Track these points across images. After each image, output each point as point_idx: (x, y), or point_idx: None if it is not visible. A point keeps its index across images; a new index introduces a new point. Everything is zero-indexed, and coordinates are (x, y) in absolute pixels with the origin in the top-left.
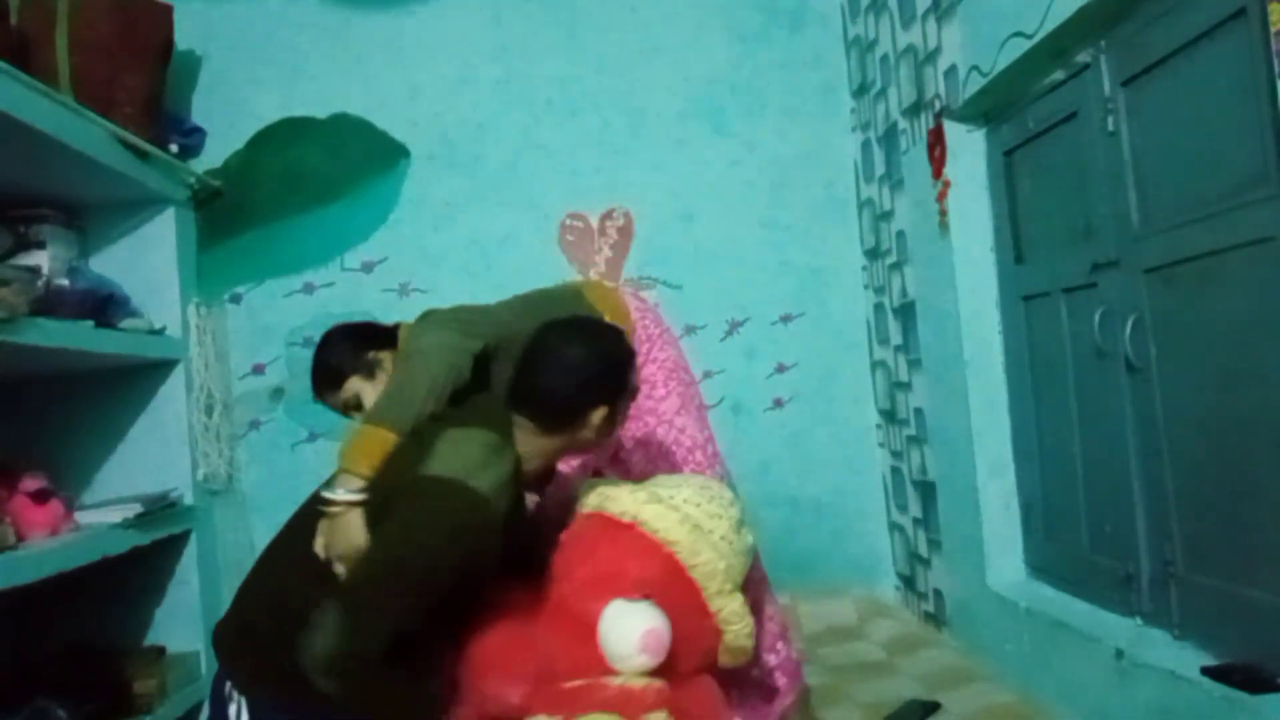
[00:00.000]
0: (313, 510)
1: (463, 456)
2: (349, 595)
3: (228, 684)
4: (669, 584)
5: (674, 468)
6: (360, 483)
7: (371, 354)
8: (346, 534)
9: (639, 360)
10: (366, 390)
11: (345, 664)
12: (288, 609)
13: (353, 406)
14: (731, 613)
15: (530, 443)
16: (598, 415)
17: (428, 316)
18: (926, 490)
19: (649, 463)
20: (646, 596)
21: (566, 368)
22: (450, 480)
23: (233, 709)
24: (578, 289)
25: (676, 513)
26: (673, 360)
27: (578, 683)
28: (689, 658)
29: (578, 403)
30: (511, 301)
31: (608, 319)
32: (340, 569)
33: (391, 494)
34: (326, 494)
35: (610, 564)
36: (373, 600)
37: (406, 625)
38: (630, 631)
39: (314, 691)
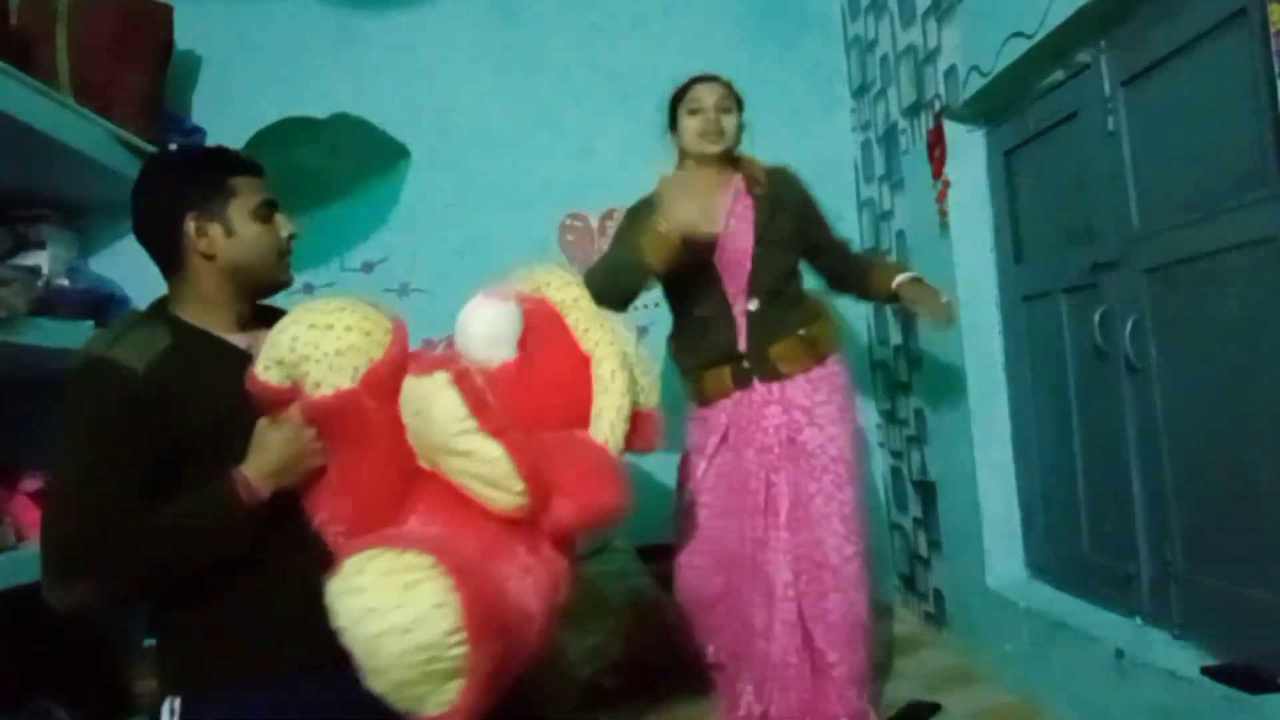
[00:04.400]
0: None
1: (93, 340)
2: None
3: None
4: (533, 305)
5: None
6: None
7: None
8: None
9: None
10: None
11: (66, 565)
12: None
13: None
14: (604, 353)
15: (189, 298)
16: (191, 227)
17: None
18: (926, 490)
19: None
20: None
21: (137, 198)
22: (76, 362)
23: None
24: None
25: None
26: None
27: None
28: (562, 404)
29: (154, 223)
30: None
31: None
32: None
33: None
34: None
35: None
36: (57, 497)
37: (116, 504)
38: (486, 314)
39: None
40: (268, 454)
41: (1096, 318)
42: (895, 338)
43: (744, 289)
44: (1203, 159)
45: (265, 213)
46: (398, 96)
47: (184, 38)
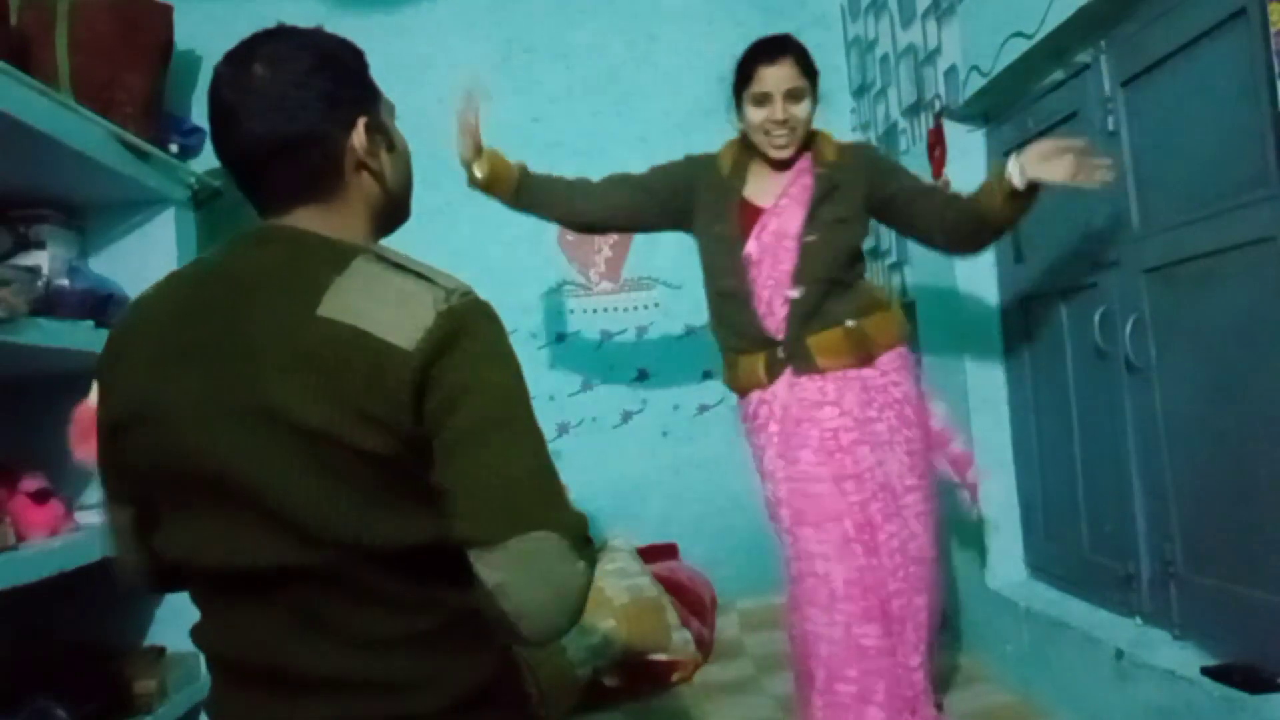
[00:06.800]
0: None
1: (445, 279)
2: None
3: None
4: None
5: None
6: None
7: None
8: None
9: None
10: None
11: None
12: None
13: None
14: None
15: (344, 235)
16: (363, 136)
17: None
18: None
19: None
20: None
21: (273, 90)
22: (467, 303)
23: None
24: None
25: None
26: None
27: None
28: None
29: (315, 130)
30: None
31: None
32: None
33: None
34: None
35: None
36: (538, 454)
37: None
38: None
39: None
40: None
41: (1096, 318)
42: None
43: (788, 274)
44: (1203, 159)
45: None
46: (398, 96)
47: (184, 38)
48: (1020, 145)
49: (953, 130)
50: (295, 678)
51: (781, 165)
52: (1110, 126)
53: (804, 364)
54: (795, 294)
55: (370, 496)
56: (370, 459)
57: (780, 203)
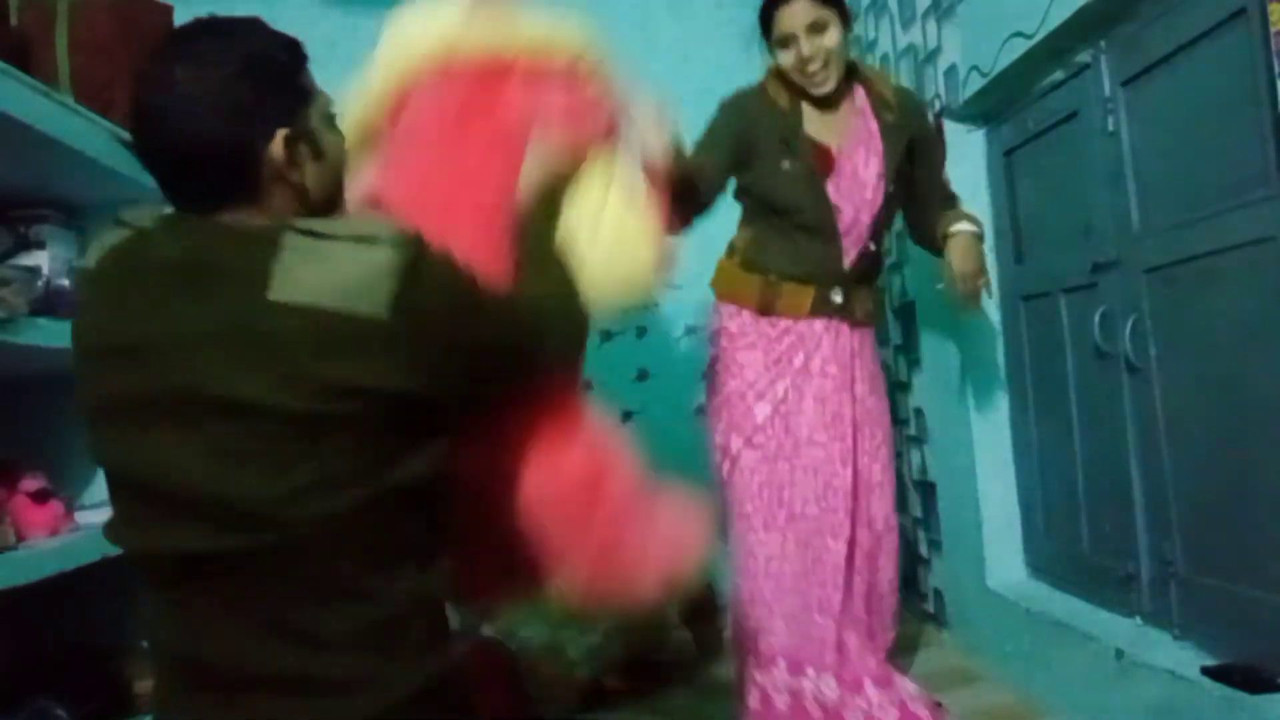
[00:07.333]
0: None
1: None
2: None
3: None
4: None
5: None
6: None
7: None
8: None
9: None
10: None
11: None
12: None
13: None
14: None
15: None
16: (280, 149)
17: None
18: (926, 490)
19: None
20: None
21: (192, 94)
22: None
23: None
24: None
25: None
26: None
27: None
28: None
29: (233, 140)
30: None
31: None
32: None
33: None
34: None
35: None
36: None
37: None
38: None
39: None
40: None
41: (1096, 318)
42: (895, 338)
43: (868, 227)
44: (1203, 159)
45: (332, 117)
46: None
47: None
48: (1020, 145)
49: (953, 130)
50: (244, 674)
51: (831, 102)
52: (1110, 126)
53: (849, 315)
54: (872, 246)
55: (332, 468)
56: (340, 431)
57: (846, 146)
